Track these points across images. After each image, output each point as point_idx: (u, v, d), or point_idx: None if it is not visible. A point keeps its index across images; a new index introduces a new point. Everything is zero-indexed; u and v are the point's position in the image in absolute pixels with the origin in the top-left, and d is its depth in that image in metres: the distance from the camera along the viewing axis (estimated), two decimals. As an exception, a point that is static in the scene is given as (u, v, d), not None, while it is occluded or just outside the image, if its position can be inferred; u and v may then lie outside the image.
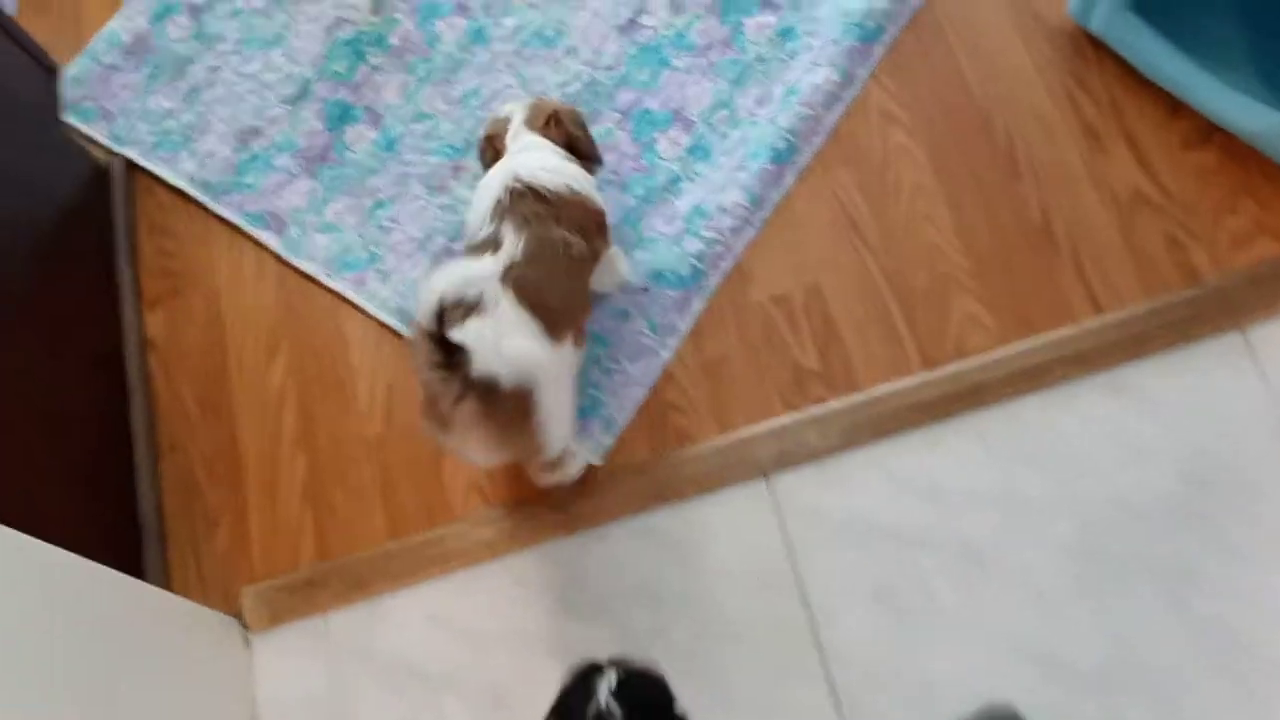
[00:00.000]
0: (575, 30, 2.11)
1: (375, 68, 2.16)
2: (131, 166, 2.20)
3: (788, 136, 1.92)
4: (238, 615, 1.82)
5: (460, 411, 1.43)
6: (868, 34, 1.98)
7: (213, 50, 2.25)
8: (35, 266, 1.87)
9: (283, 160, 2.11)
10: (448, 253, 1.97)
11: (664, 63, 2.04)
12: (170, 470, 1.96)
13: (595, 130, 1.99)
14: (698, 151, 1.96)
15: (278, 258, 2.07)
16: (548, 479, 1.74)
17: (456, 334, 1.38)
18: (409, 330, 1.39)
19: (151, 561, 1.85)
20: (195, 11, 2.29)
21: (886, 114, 1.93)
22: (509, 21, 2.14)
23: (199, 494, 1.93)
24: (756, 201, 1.90)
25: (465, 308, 1.43)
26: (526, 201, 1.57)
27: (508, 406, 1.45)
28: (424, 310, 1.31)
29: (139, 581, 1.62)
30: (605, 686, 1.32)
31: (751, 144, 1.93)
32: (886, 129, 1.92)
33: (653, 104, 2.01)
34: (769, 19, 2.03)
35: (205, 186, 2.13)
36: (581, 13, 2.12)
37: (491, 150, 1.77)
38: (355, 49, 2.17)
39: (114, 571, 1.51)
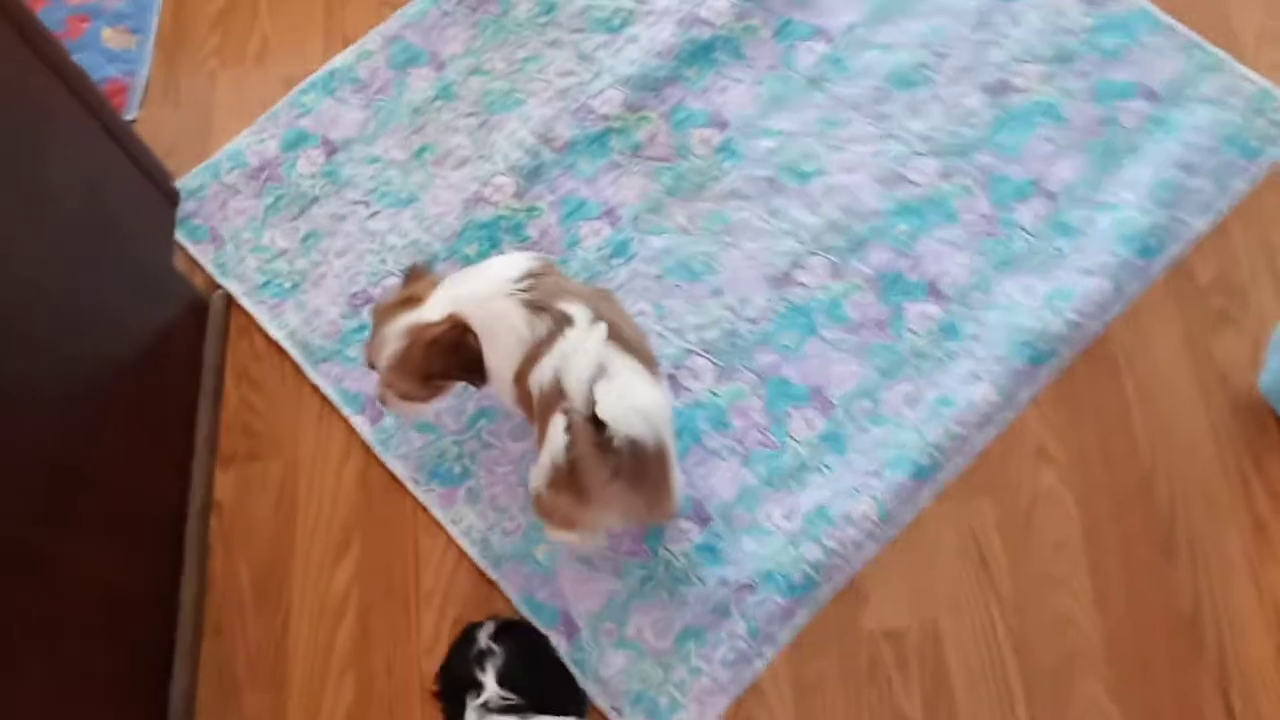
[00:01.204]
0: (725, 269, 1.98)
1: (507, 258, 2.02)
2: (231, 303, 2.07)
3: (933, 452, 1.78)
4: (249, 846, 1.68)
5: (614, 486, 1.43)
6: (1038, 356, 1.84)
7: (340, 195, 2.13)
8: (111, 401, 1.75)
9: (392, 340, 1.97)
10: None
11: (812, 329, 1.90)
12: (211, 657, 1.83)
13: (727, 388, 1.87)
14: (832, 441, 1.82)
15: (367, 446, 1.92)
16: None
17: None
18: (565, 417, 1.40)
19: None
20: (331, 149, 2.17)
21: (1042, 450, 1.79)
22: (656, 242, 2.01)
23: (237, 692, 1.81)
24: (886, 517, 1.76)
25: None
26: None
27: (652, 468, 1.47)
28: (579, 391, 1.33)
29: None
30: (484, 634, 1.50)
31: (892, 450, 1.79)
32: (1039, 467, 1.78)
33: (792, 374, 1.88)
34: (933, 309, 1.90)
35: (305, 348, 2.00)
36: (734, 251, 1.99)
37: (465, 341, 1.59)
38: (490, 234, 2.05)
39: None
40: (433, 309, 1.58)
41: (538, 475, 1.52)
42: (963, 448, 1.80)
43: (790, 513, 1.78)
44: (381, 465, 1.92)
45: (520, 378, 1.55)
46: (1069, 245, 1.93)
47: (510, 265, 1.59)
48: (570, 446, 1.40)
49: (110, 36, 2.38)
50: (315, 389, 2.00)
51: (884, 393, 1.85)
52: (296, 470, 1.94)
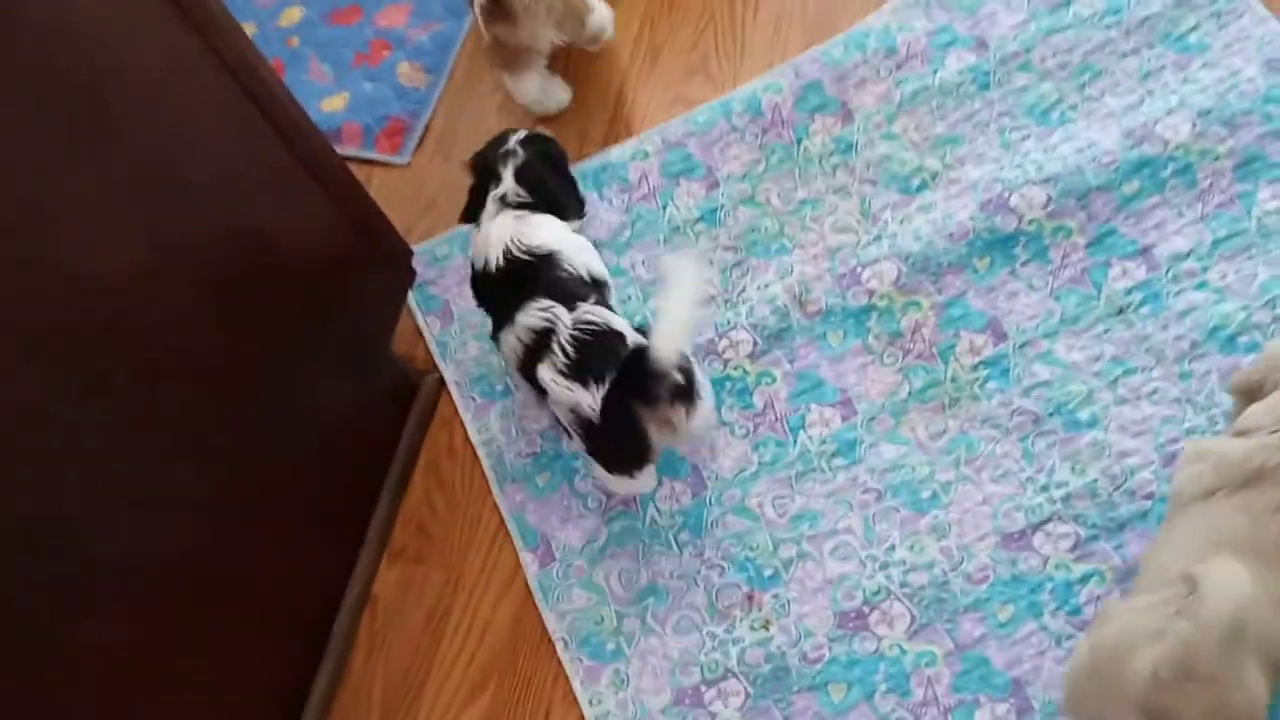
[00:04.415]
0: (955, 504, 1.75)
1: (725, 423, 1.89)
2: (441, 389, 2.00)
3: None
4: None
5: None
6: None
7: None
8: (294, 471, 1.71)
9: (583, 484, 1.88)
10: (697, 692, 1.73)
11: (1035, 611, 1.67)
12: (324, 761, 1.78)
13: (919, 648, 1.70)
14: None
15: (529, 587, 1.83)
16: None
17: None
18: None
19: None
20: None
21: None
22: (888, 451, 1.81)
23: (340, 806, 1.75)
24: None
25: None
26: None
27: None
28: None
29: None
30: (514, 138, 1.85)
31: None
32: None
33: (997, 657, 1.66)
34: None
35: (498, 461, 1.94)
36: (971, 488, 1.76)
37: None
38: (714, 393, 1.88)
39: None
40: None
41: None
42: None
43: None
44: (538, 613, 1.80)
45: None
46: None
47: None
48: None
49: (405, 72, 2.35)
50: (496, 507, 1.89)
51: None
52: (457, 587, 1.88)
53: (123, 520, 1.35)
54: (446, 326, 2.07)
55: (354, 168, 2.10)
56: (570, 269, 1.70)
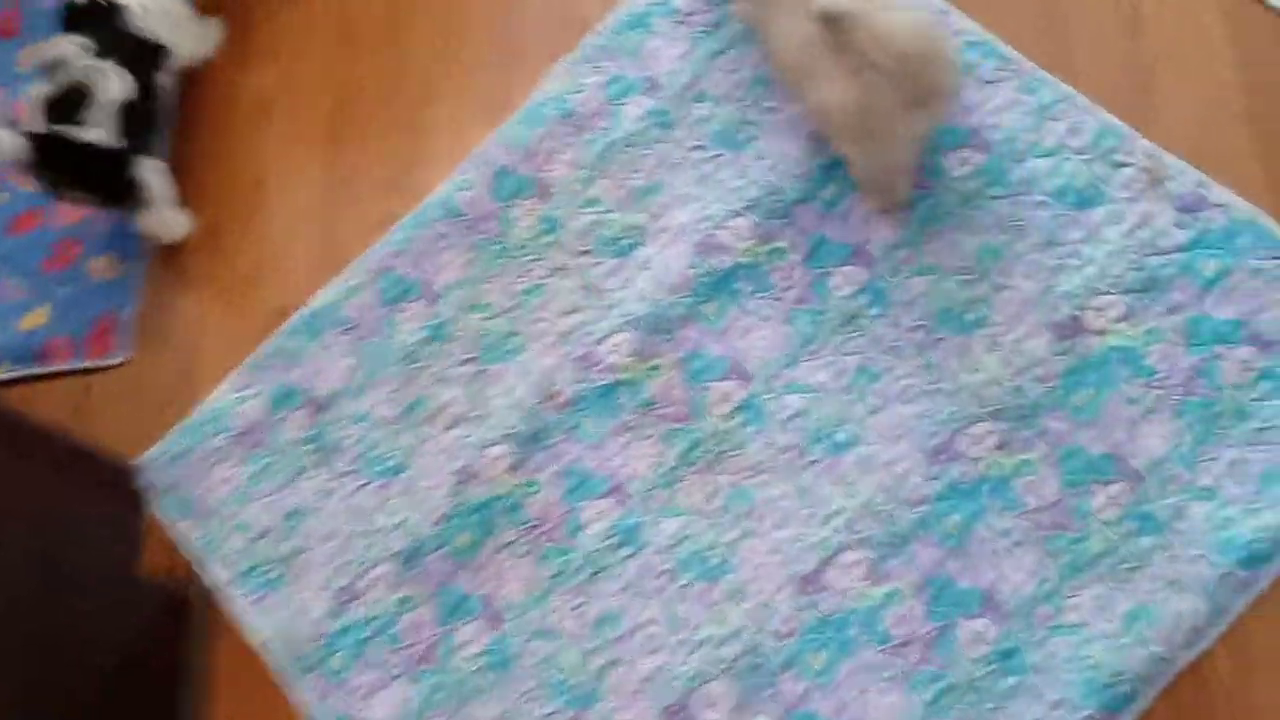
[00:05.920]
0: (745, 564, 1.71)
1: (504, 546, 1.80)
2: (211, 596, 1.89)
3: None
4: None
5: None
6: (1115, 701, 1.51)
7: (328, 464, 1.94)
8: None
9: (377, 651, 1.79)
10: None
11: (847, 651, 1.63)
12: None
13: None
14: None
15: (353, 778, 1.73)
16: None
17: None
18: None
19: None
20: (317, 407, 1.96)
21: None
22: (669, 526, 1.75)
23: None
24: None
25: None
26: None
27: None
28: None
29: None
30: None
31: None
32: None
33: (823, 707, 1.61)
34: (989, 628, 1.63)
35: (289, 658, 1.83)
36: (757, 541, 1.72)
37: None
38: (484, 518, 1.83)
39: None
40: None
41: None
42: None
43: None
44: (367, 803, 1.71)
45: None
46: (1154, 545, 1.58)
47: None
48: None
49: (99, 266, 2.22)
50: (299, 704, 1.80)
51: (927, 741, 1.56)
52: (285, 797, 1.76)
53: None
54: (204, 523, 1.95)
55: (70, 382, 1.98)
56: (125, 24, 1.99)
